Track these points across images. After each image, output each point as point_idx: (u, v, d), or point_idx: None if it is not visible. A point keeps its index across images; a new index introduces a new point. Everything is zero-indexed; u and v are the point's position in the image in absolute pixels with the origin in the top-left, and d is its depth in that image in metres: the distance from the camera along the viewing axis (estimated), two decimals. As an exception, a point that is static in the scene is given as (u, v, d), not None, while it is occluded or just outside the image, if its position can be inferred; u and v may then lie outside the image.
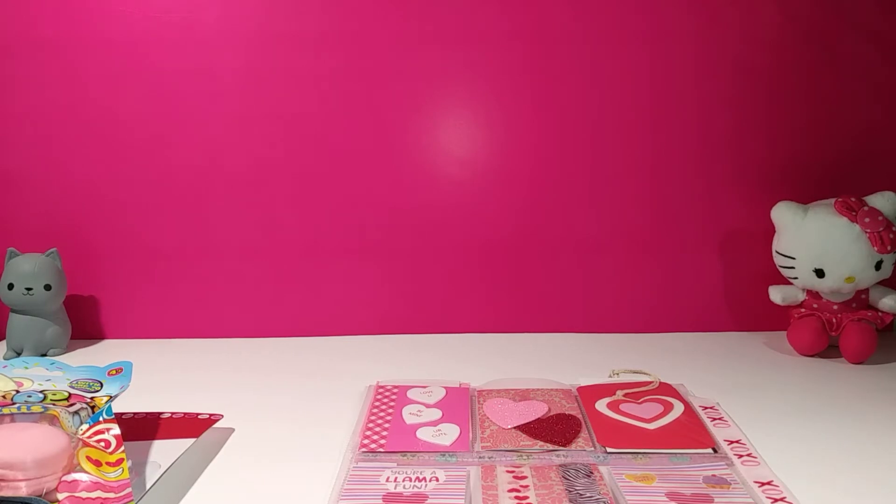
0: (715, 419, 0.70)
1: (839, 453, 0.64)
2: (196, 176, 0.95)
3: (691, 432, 0.66)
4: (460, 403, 0.72)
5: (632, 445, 0.64)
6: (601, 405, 0.71)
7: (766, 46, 0.92)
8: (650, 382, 0.76)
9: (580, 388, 0.76)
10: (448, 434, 0.66)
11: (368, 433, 0.66)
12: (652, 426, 0.67)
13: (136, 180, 0.95)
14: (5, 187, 0.95)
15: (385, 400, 0.73)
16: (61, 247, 0.92)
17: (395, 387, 0.76)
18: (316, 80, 0.93)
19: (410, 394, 0.74)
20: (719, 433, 0.67)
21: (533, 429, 0.66)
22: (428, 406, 0.72)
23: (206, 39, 0.92)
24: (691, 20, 0.92)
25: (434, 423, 0.68)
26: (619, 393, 0.74)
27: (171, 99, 0.93)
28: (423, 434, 0.66)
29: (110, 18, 0.91)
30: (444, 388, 0.76)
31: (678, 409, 0.70)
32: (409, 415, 0.70)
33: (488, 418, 0.69)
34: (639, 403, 0.72)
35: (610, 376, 0.80)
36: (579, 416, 0.69)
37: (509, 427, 0.67)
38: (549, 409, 0.70)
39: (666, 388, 0.75)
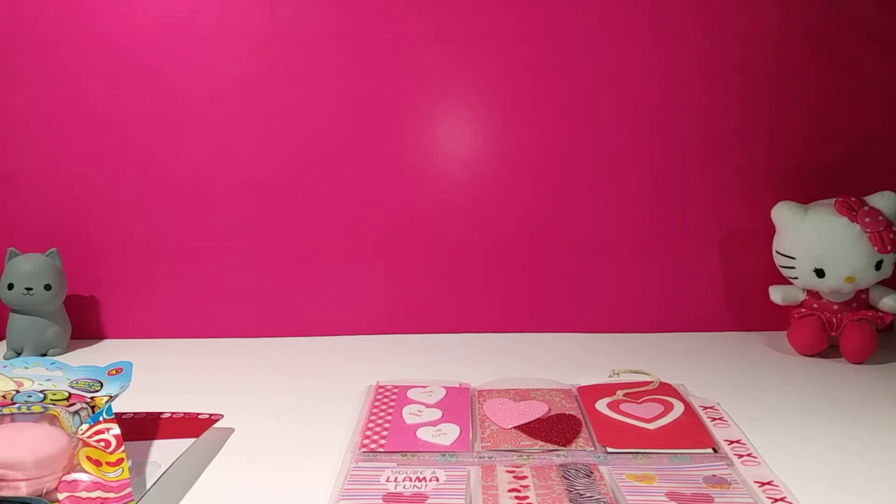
0: (715, 419, 0.70)
1: (839, 453, 0.64)
2: (196, 176, 0.94)
3: (691, 432, 0.66)
4: (460, 403, 0.72)
5: (632, 445, 0.64)
6: (601, 405, 0.71)
7: (766, 47, 0.92)
8: (650, 382, 0.76)
9: (580, 388, 0.76)
10: (448, 434, 0.66)
11: (368, 433, 0.66)
12: (652, 426, 0.67)
13: (135, 180, 0.95)
14: (5, 187, 0.95)
15: (385, 400, 0.73)
16: (61, 247, 0.92)
17: (395, 387, 0.76)
18: (316, 80, 0.93)
19: (410, 394, 0.74)
20: (719, 433, 0.67)
21: (533, 429, 0.66)
22: (428, 406, 0.72)
23: (206, 39, 0.92)
24: (692, 21, 0.92)
25: (434, 423, 0.68)
26: (620, 393, 0.74)
27: (170, 99, 0.93)
28: (424, 434, 0.66)
29: (110, 18, 0.91)
30: (444, 387, 0.76)
31: (678, 409, 0.70)
32: (410, 415, 0.69)
33: (488, 418, 0.69)
34: (639, 403, 0.72)
35: (610, 376, 0.80)
36: (579, 416, 0.69)
37: (509, 427, 0.67)
38: (550, 409, 0.70)
39: (666, 388, 0.75)
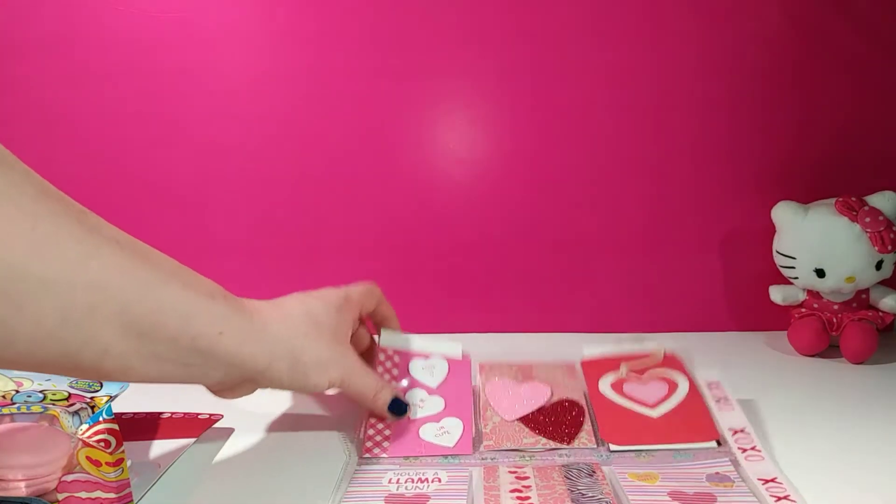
0: (719, 398, 0.69)
1: (840, 453, 0.64)
2: (196, 176, 0.94)
3: (695, 419, 0.65)
4: (463, 390, 0.71)
5: (635, 440, 0.64)
6: (605, 386, 0.70)
7: (765, 45, 0.92)
8: (654, 354, 0.75)
9: (584, 363, 0.74)
10: (452, 433, 0.65)
11: (371, 432, 0.65)
12: (655, 412, 0.67)
13: (135, 180, 0.94)
14: (3, 188, 0.94)
15: (386, 371, 0.72)
16: (60, 247, 0.92)
17: (397, 352, 0.74)
18: (316, 80, 0.92)
19: (412, 369, 0.72)
20: (723, 418, 0.66)
21: (536, 421, 0.66)
22: (430, 392, 0.70)
23: (206, 39, 0.92)
24: (690, 19, 0.92)
25: (437, 419, 0.67)
26: (623, 370, 0.72)
27: (170, 99, 0.92)
28: (426, 434, 0.65)
29: (109, 18, 0.91)
30: (447, 360, 0.74)
31: (683, 388, 0.69)
32: (412, 405, 0.68)
33: (491, 406, 0.68)
34: (643, 383, 0.70)
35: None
36: (583, 403, 0.68)
37: (512, 419, 0.67)
38: (553, 394, 0.69)
39: (671, 361, 0.74)
